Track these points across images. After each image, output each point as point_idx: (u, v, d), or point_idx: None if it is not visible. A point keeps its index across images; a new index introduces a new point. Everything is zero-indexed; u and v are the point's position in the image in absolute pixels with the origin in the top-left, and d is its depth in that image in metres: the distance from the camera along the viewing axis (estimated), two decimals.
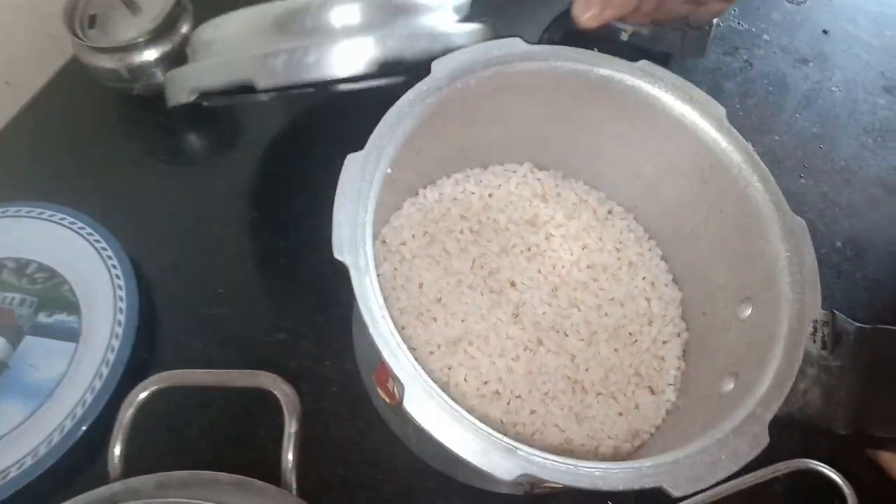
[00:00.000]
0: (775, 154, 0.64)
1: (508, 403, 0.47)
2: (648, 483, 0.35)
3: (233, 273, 0.56)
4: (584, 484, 0.34)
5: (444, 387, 0.47)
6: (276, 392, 0.40)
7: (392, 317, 0.48)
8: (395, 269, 0.50)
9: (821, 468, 0.42)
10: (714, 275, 0.48)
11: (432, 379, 0.46)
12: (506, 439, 0.35)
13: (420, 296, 0.49)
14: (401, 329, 0.48)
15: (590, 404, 0.48)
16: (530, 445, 0.45)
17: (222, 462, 0.41)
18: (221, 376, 0.40)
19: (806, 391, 0.40)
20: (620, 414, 0.48)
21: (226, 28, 0.48)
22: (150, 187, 0.61)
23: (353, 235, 0.37)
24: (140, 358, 0.51)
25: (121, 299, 0.52)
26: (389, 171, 0.41)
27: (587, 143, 0.52)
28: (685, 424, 0.46)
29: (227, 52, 0.47)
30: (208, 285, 0.56)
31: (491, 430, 0.35)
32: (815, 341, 0.41)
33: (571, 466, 0.35)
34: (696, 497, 0.39)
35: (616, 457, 0.47)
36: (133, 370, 0.49)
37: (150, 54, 0.59)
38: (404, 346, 0.36)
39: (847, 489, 0.40)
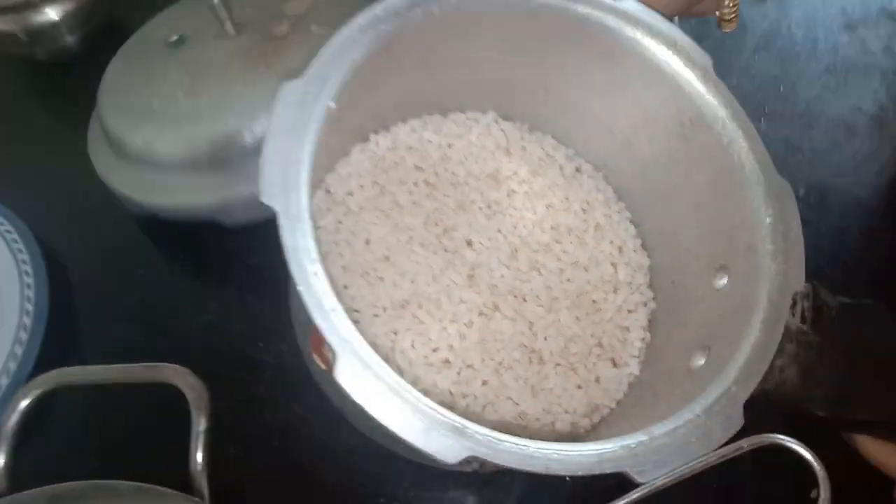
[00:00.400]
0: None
1: (459, 373, 0.43)
2: (610, 468, 0.31)
3: (151, 253, 0.51)
4: (537, 468, 0.31)
5: (389, 354, 0.42)
6: (181, 386, 0.35)
7: (332, 275, 0.43)
8: (340, 221, 0.45)
9: (790, 444, 0.39)
10: (687, 241, 0.44)
11: (375, 345, 0.42)
12: (452, 416, 0.31)
13: (366, 252, 0.44)
14: (343, 288, 0.43)
15: (547, 376, 0.44)
16: (480, 420, 0.41)
17: (126, 469, 0.36)
18: (118, 372, 0.36)
19: (783, 368, 0.37)
20: (579, 387, 0.44)
21: (158, 145, 0.48)
22: (59, 162, 0.54)
23: (285, 176, 0.32)
24: (58, 349, 0.45)
25: (28, 287, 0.46)
26: (333, 105, 0.35)
27: (557, 91, 0.47)
28: (648, 400, 0.42)
29: (169, 178, 0.48)
30: (127, 267, 0.50)
31: (435, 405, 0.31)
32: (794, 315, 0.38)
33: (524, 447, 0.31)
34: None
35: (573, 433, 0.43)
36: (48, 365, 0.43)
37: (51, 13, 0.52)
38: (339, 307, 0.31)
39: (818, 466, 0.37)
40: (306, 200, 0.33)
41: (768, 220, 0.38)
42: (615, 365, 0.45)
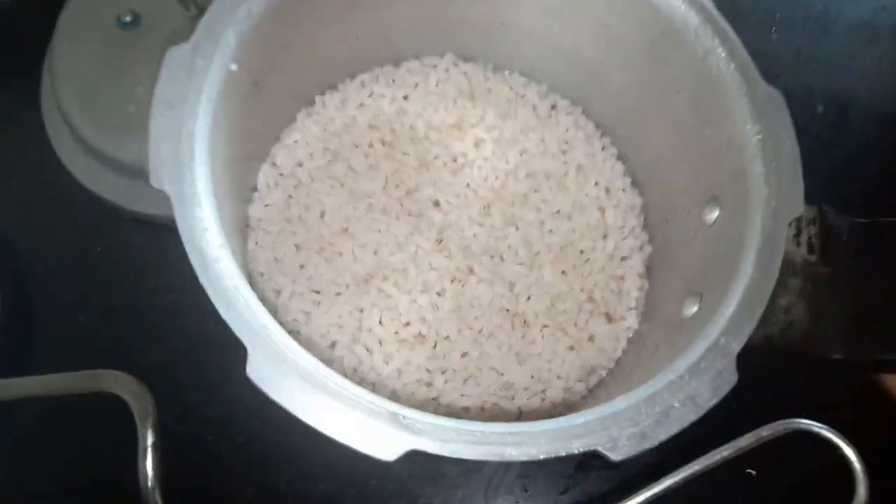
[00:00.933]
0: (738, 7, 0.52)
1: (435, 347, 0.39)
2: (579, 447, 0.27)
3: (111, 228, 0.47)
4: (492, 456, 0.26)
5: (355, 334, 0.39)
6: (123, 395, 0.32)
7: (282, 256, 0.40)
8: (290, 196, 0.41)
9: (815, 428, 0.34)
10: (675, 173, 0.39)
11: (339, 326, 0.39)
12: (387, 404, 0.27)
13: (321, 227, 0.40)
14: (299, 268, 0.39)
15: (533, 340, 0.40)
16: (459, 399, 0.38)
17: (70, 489, 0.33)
18: (50, 384, 0.33)
19: (788, 308, 0.32)
20: (571, 348, 0.40)
21: None
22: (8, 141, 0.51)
23: (176, 155, 0.28)
24: (17, 338, 0.43)
25: None
26: (234, 67, 0.31)
27: (514, 22, 0.42)
28: (649, 357, 0.38)
29: None
30: (85, 246, 0.47)
31: (365, 394, 0.27)
32: (798, 245, 0.33)
33: (474, 433, 0.27)
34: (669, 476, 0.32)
35: (567, 401, 0.39)
36: (12, 358, 0.41)
37: None
38: (250, 294, 0.28)
39: (851, 453, 0.32)
40: (206, 178, 0.29)
41: (757, 137, 0.32)
42: (610, 320, 0.41)
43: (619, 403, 0.28)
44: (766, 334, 0.30)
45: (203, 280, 0.27)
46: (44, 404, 0.34)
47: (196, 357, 0.41)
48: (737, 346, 0.29)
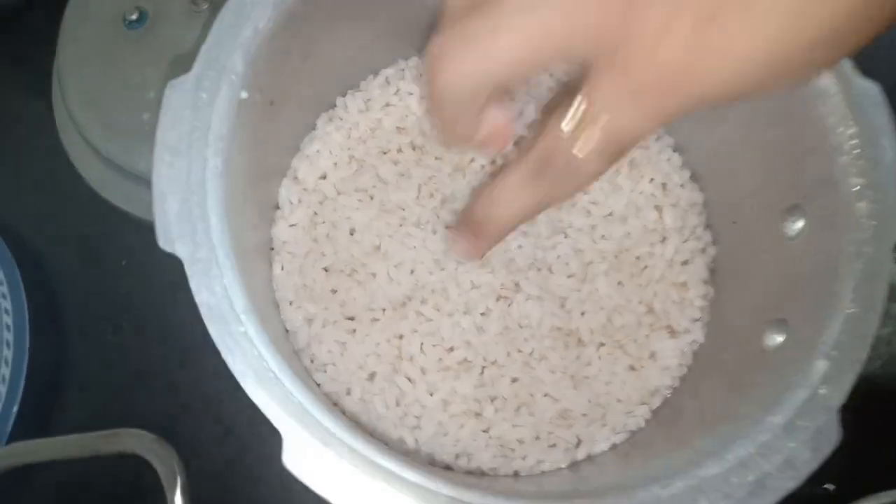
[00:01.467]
0: None
1: (482, 373, 0.36)
2: None
3: (134, 234, 0.44)
4: None
5: (395, 364, 0.35)
6: (147, 457, 0.29)
7: (311, 281, 0.36)
8: (316, 213, 0.37)
9: None
10: (743, 173, 0.35)
11: (377, 354, 0.36)
12: (446, 489, 0.24)
13: (352, 246, 0.37)
14: (331, 294, 0.36)
15: (589, 361, 0.36)
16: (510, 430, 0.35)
17: None
18: (63, 447, 0.30)
19: (891, 339, 0.28)
20: (632, 368, 0.36)
21: None
22: (14, 137, 0.48)
23: (187, 209, 0.25)
24: (51, 362, 0.41)
25: (3, 296, 0.41)
26: (245, 94, 0.27)
27: None
28: (720, 377, 0.34)
29: None
30: (108, 256, 0.44)
31: (428, 482, 0.24)
32: None
33: None
34: None
35: (628, 426, 0.36)
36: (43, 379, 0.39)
37: None
38: (283, 369, 0.24)
39: None
40: (223, 232, 0.25)
41: (850, 142, 0.28)
42: (673, 334, 0.37)
43: (708, 469, 0.25)
44: (866, 371, 0.27)
45: (228, 359, 0.23)
46: (62, 467, 0.31)
47: (231, 408, 0.39)
48: (839, 399, 0.25)
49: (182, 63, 0.26)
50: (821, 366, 0.26)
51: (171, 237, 0.24)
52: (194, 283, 0.24)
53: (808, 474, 0.24)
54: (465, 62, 0.22)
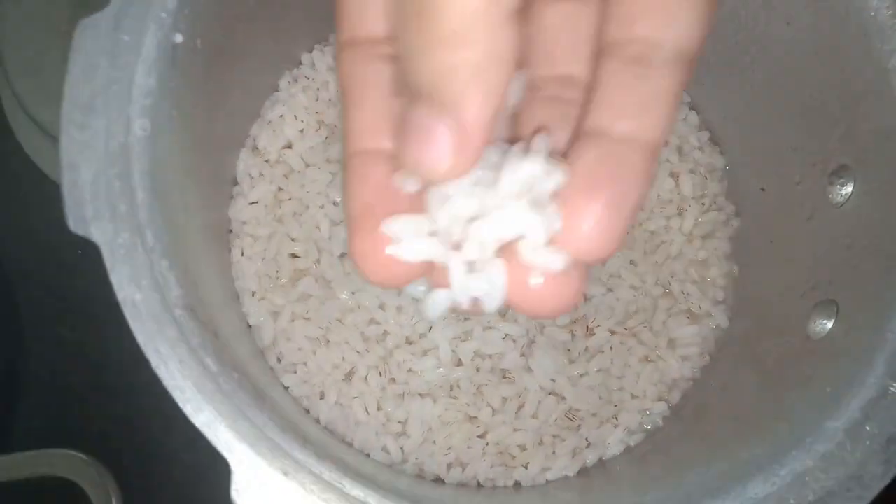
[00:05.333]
0: None
1: (477, 370, 0.31)
2: None
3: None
4: None
5: (378, 360, 0.31)
6: (79, 482, 0.24)
7: (276, 268, 0.31)
8: (280, 188, 0.32)
9: None
10: (776, 131, 0.30)
11: (356, 351, 0.31)
12: None
13: (324, 227, 0.32)
14: (299, 282, 0.31)
15: (598, 351, 0.32)
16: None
17: None
18: None
19: None
20: (647, 359, 0.32)
21: None
22: None
23: (104, 182, 0.20)
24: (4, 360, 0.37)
25: None
26: (180, 37, 0.22)
27: None
28: (750, 370, 0.30)
29: None
30: (61, 247, 0.39)
31: None
32: None
33: None
34: None
35: (645, 426, 0.31)
36: None
37: None
38: (231, 383, 0.19)
39: None
40: (150, 210, 0.20)
41: None
42: (693, 318, 0.32)
43: (758, 489, 0.20)
44: None
45: (158, 368, 0.18)
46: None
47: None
48: None
49: None
50: (887, 358, 0.21)
51: (85, 217, 0.19)
52: (115, 276, 0.19)
53: (878, 491, 0.20)
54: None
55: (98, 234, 0.19)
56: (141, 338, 0.19)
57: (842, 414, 0.21)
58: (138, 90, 0.21)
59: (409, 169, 0.15)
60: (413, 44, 0.14)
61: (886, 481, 0.20)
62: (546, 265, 0.15)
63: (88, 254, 0.38)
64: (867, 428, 0.21)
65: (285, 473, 0.18)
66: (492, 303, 0.16)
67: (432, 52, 0.14)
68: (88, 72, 0.20)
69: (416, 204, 0.16)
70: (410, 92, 0.15)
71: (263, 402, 0.20)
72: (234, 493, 0.18)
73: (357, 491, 0.19)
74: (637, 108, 0.15)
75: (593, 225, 0.15)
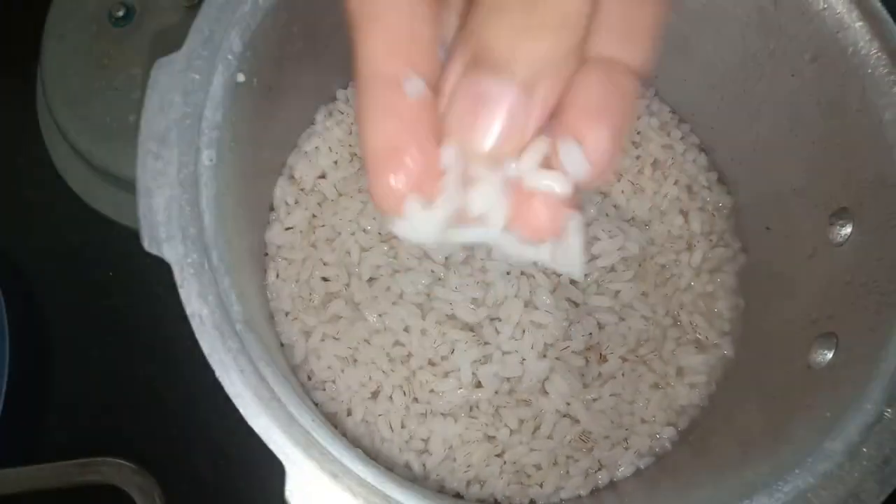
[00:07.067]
0: None
1: (496, 392, 0.33)
2: None
3: (120, 244, 0.41)
4: None
5: (403, 380, 0.32)
6: (125, 488, 0.26)
7: (309, 291, 0.33)
8: (314, 216, 0.34)
9: None
10: (782, 174, 0.32)
11: (382, 371, 0.33)
12: None
13: (355, 252, 0.34)
14: (331, 304, 0.33)
15: (611, 377, 0.33)
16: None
17: None
18: (38, 477, 0.27)
19: None
20: (657, 385, 0.34)
21: None
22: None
23: (176, 207, 0.22)
24: (33, 378, 0.38)
25: None
26: (242, 77, 0.24)
27: None
28: (754, 399, 0.31)
29: None
30: (93, 268, 0.41)
31: None
32: None
33: None
34: None
35: (654, 449, 0.33)
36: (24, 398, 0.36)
37: None
38: (290, 392, 0.21)
39: None
40: (216, 233, 0.22)
41: None
42: (701, 348, 0.34)
43: (762, 502, 0.22)
44: None
45: (222, 377, 0.20)
46: (38, 497, 0.28)
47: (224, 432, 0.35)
48: None
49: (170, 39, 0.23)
50: (883, 385, 0.23)
51: (159, 238, 0.21)
52: (184, 292, 0.21)
53: None
54: None
55: (170, 253, 0.21)
56: (206, 349, 0.20)
57: (840, 436, 0.23)
58: (206, 123, 0.23)
59: (457, 137, 0.16)
60: (503, 22, 0.15)
61: (882, 499, 0.22)
62: (548, 188, 0.16)
63: (119, 275, 0.40)
64: (864, 449, 0.22)
65: (334, 476, 0.20)
66: (496, 219, 0.16)
67: (528, 34, 0.15)
68: (163, 106, 0.22)
69: (436, 139, 0.16)
70: (475, 56, 0.15)
71: (310, 412, 0.21)
72: (288, 493, 0.20)
73: (399, 496, 0.20)
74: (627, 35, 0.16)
75: (598, 148, 0.16)
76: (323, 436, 0.21)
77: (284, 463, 0.20)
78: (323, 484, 0.20)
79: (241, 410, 0.20)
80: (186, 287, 0.21)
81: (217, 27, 0.23)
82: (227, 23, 0.23)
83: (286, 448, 0.20)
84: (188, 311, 0.21)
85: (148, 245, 0.21)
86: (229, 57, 0.24)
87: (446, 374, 0.33)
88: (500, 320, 0.33)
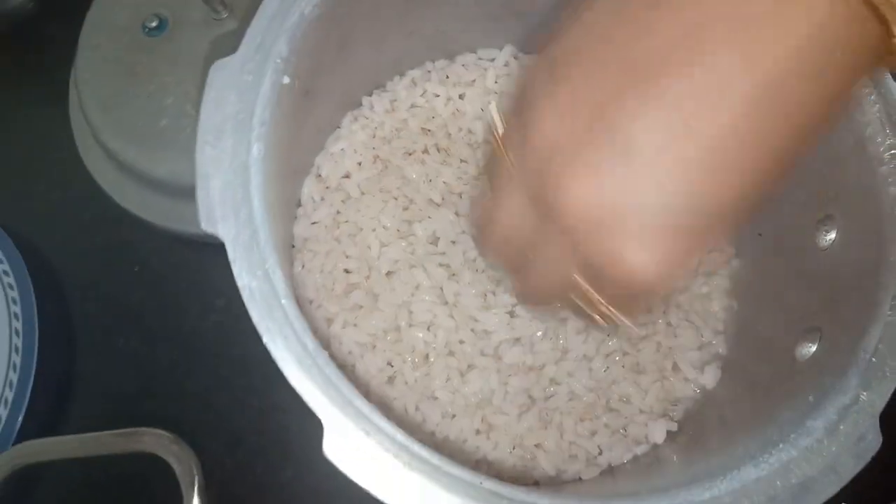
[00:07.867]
0: None
1: (506, 382, 0.35)
2: None
3: (147, 241, 0.43)
4: None
5: (416, 368, 0.35)
6: (164, 457, 0.28)
7: (332, 281, 0.36)
8: (339, 212, 0.37)
9: None
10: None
11: (401, 357, 0.35)
12: (492, 484, 0.23)
13: (375, 248, 0.36)
14: (352, 294, 0.35)
15: (613, 370, 0.36)
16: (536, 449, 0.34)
17: None
18: (86, 445, 0.29)
19: None
20: (655, 379, 0.36)
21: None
22: (29, 143, 0.47)
23: (230, 191, 0.24)
24: (61, 369, 0.40)
25: (14, 301, 0.40)
26: (287, 80, 0.27)
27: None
28: (746, 392, 0.34)
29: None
30: (121, 264, 0.43)
31: (463, 472, 0.23)
32: None
33: None
34: None
35: (651, 437, 0.35)
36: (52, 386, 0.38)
37: None
38: (325, 359, 0.24)
39: None
40: (263, 216, 0.25)
41: (890, 151, 0.28)
42: (696, 345, 0.37)
43: (749, 472, 0.24)
44: None
45: (269, 343, 0.23)
46: (80, 465, 0.30)
47: (241, 418, 0.38)
48: (880, 404, 0.25)
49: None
50: (857, 370, 0.26)
51: (214, 218, 0.24)
52: (237, 266, 0.23)
53: (849, 479, 0.24)
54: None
55: (224, 231, 0.23)
56: (255, 317, 0.23)
57: (821, 416, 0.25)
58: (256, 119, 0.25)
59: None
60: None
61: (856, 471, 0.24)
62: None
63: (143, 273, 0.43)
64: (841, 427, 0.25)
65: (367, 433, 0.22)
66: None
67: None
68: (219, 102, 0.25)
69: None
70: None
71: (344, 377, 0.24)
72: (326, 447, 0.22)
73: (423, 452, 0.23)
74: None
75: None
76: (355, 397, 0.23)
77: (323, 420, 0.22)
78: (358, 440, 0.22)
79: (285, 372, 0.23)
80: (238, 263, 0.23)
81: (267, 35, 0.26)
82: (276, 32, 0.26)
83: (325, 406, 0.22)
84: (239, 283, 0.23)
85: (205, 224, 0.23)
86: (277, 61, 0.26)
87: (458, 362, 0.35)
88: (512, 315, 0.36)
